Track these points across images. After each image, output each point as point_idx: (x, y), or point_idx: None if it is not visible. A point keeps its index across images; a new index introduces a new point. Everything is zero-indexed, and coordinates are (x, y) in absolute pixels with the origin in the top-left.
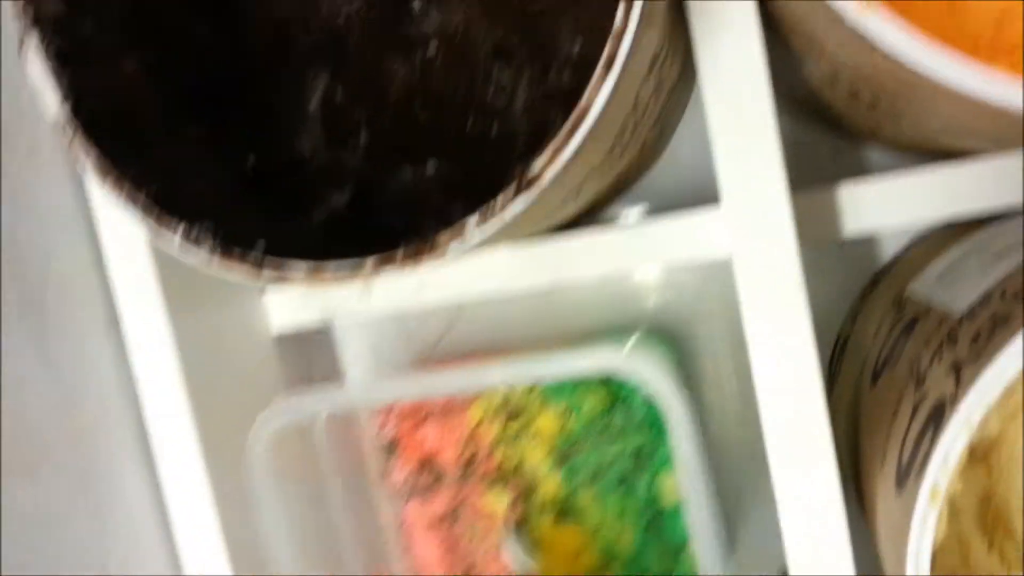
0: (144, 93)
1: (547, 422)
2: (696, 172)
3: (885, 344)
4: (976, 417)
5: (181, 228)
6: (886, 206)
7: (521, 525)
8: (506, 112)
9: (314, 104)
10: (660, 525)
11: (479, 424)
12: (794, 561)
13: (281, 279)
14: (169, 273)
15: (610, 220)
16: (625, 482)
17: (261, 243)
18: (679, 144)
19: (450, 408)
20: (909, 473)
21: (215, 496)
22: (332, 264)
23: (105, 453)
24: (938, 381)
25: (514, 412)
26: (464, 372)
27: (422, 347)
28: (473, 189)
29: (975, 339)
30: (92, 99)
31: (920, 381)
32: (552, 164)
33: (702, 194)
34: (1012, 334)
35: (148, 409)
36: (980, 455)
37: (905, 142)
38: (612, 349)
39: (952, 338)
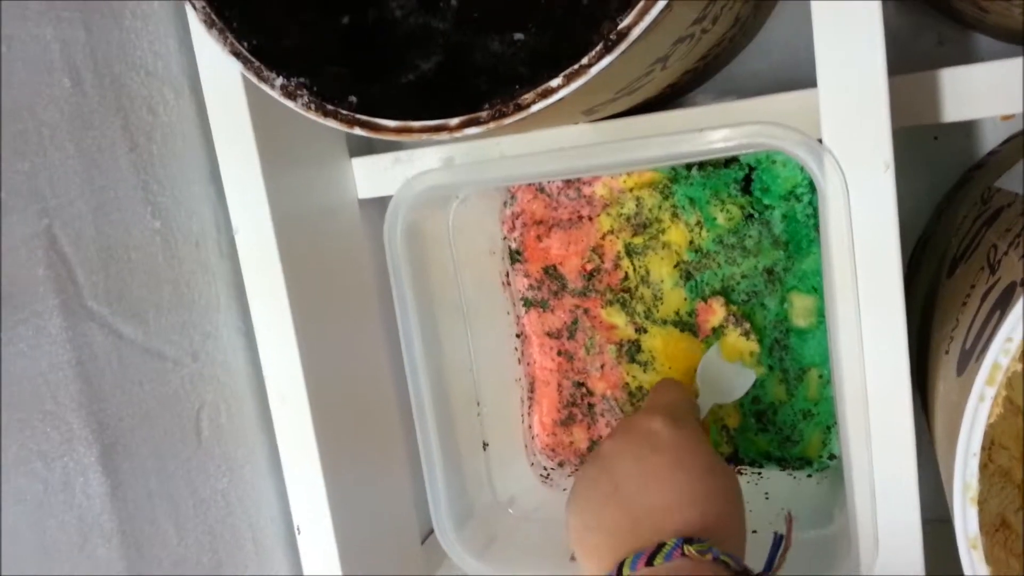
0: None
1: (677, 235)
2: (786, 60)
3: (966, 236)
4: None
5: (280, 82)
6: (984, 93)
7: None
8: None
9: None
10: (785, 347)
11: (606, 235)
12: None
13: (372, 133)
14: (266, 132)
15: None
16: (754, 300)
17: (353, 99)
18: (770, 32)
19: (577, 217)
20: (971, 355)
21: (299, 340)
22: (419, 121)
23: (203, 302)
24: (1012, 267)
25: (643, 224)
26: (620, 145)
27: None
28: (558, 58)
29: None
30: None
31: (994, 269)
32: (640, 22)
33: (790, 84)
34: None
35: (244, 260)
36: None
37: (1014, 27)
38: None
39: None
